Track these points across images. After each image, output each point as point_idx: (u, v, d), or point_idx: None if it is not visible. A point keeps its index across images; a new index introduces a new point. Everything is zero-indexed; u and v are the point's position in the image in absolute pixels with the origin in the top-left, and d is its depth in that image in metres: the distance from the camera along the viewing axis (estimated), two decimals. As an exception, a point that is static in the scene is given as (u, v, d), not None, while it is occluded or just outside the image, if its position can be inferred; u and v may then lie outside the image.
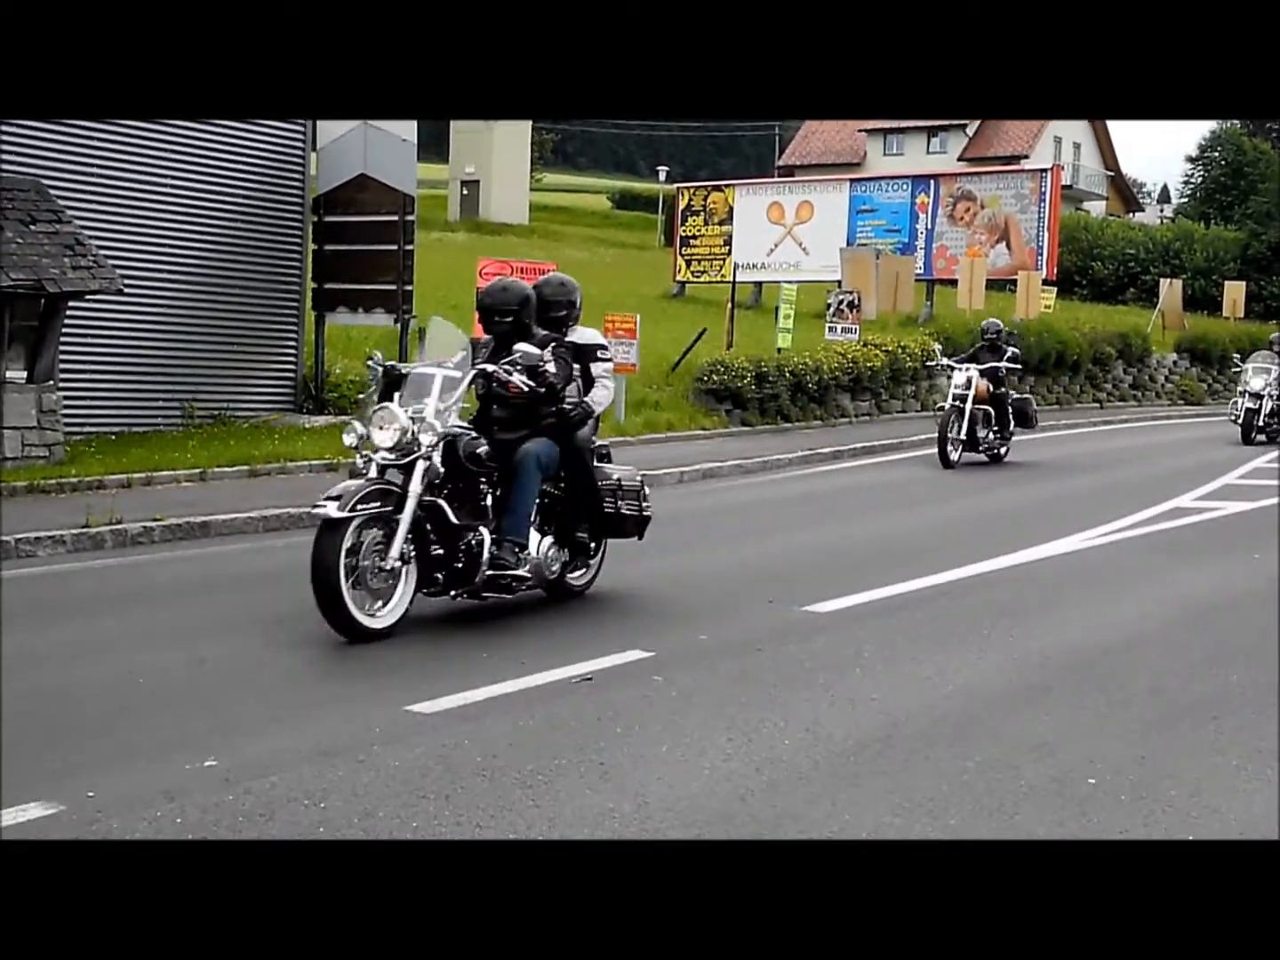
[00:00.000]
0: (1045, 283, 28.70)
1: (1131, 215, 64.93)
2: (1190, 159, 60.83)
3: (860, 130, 63.45)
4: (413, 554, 7.51)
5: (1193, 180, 60.59)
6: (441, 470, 7.65)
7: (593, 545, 8.72)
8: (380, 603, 7.43)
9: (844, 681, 6.69)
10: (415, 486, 7.49)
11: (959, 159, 57.63)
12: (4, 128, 13.41)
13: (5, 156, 13.41)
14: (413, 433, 7.56)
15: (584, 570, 8.81)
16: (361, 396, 8.09)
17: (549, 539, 8.27)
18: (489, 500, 7.95)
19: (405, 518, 7.41)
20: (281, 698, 6.32)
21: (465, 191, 53.58)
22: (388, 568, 7.40)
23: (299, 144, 16.62)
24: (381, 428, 7.59)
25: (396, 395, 7.79)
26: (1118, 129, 67.04)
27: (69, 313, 13.15)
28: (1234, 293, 35.41)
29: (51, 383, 12.78)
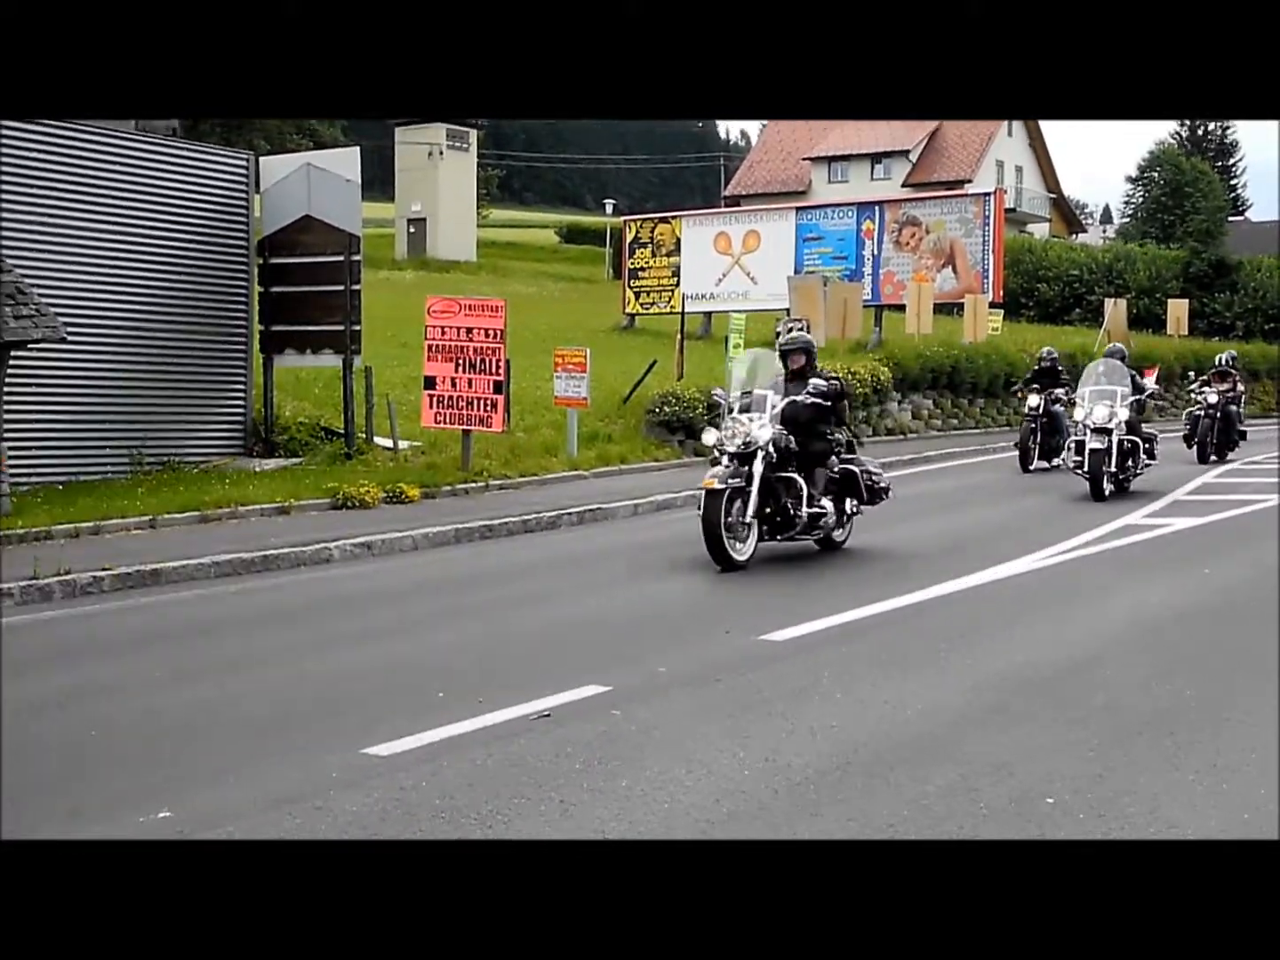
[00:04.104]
0: (992, 305, 28.90)
1: (1075, 236, 65.67)
2: (1131, 179, 61.68)
3: (804, 158, 63.94)
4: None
5: (1134, 200, 61.36)
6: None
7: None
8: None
9: (802, 709, 6.68)
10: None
11: (903, 185, 58.16)
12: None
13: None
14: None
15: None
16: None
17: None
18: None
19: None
20: (236, 746, 6.24)
21: (412, 229, 53.55)
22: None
23: (242, 186, 16.56)
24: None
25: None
26: (1058, 151, 67.79)
27: (12, 363, 13.03)
28: (1177, 310, 35.82)
29: (-3, 433, 12.66)
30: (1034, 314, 43.86)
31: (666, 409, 18.77)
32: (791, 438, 11.32)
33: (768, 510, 11.02)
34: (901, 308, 28.48)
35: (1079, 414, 16.10)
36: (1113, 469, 15.59)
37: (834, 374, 12.31)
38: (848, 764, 5.81)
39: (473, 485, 15.22)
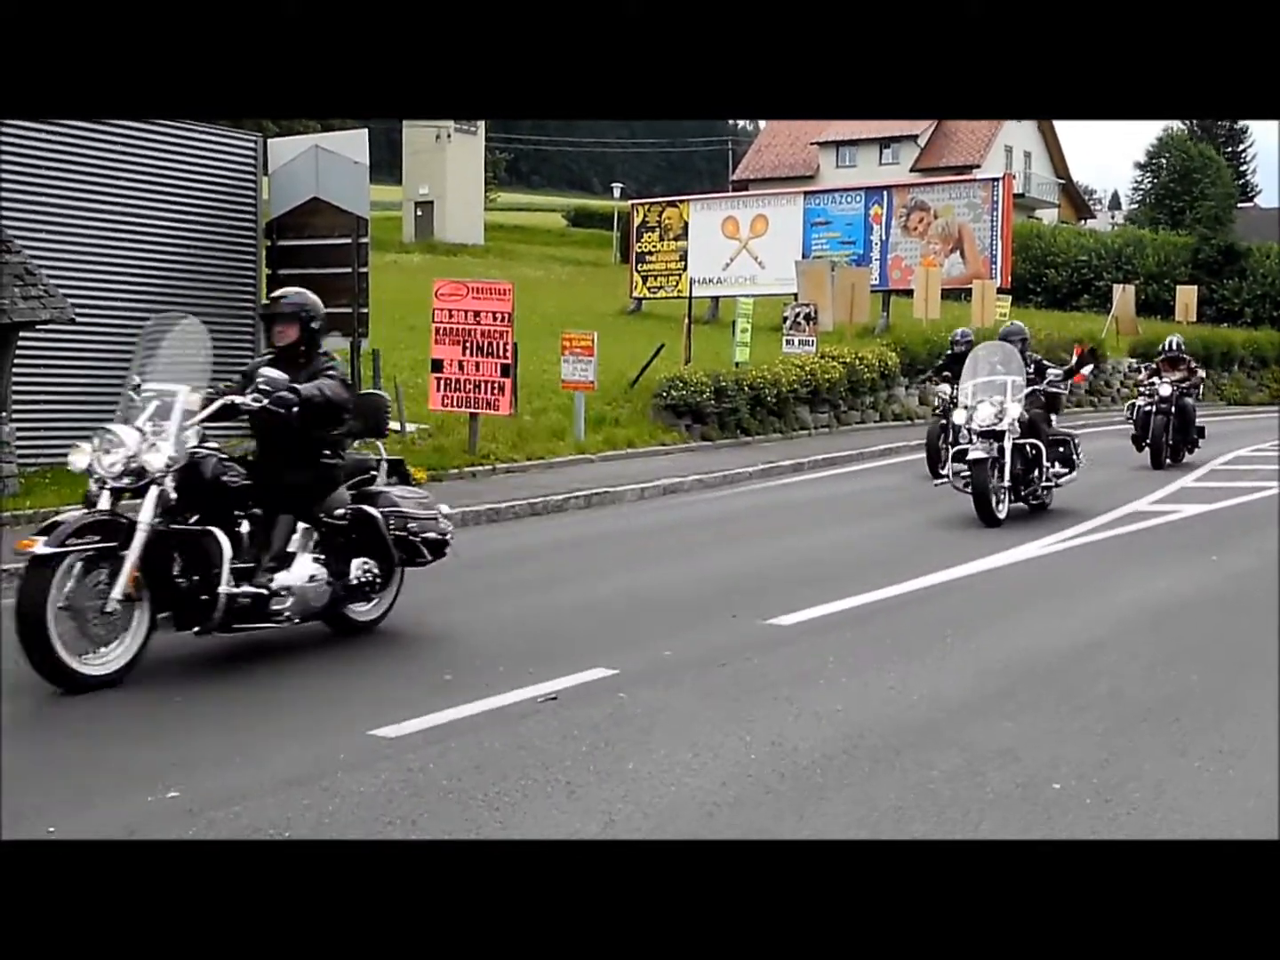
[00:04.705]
0: (1000, 291, 28.87)
1: (1083, 222, 65.55)
2: (1139, 165, 61.61)
3: (813, 143, 63.77)
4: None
5: (1142, 186, 61.25)
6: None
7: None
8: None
9: (808, 694, 6.69)
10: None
11: (911, 169, 58.02)
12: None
13: (-47, 188, 13.31)
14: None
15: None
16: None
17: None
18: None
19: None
20: (243, 727, 6.26)
21: (419, 213, 53.53)
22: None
23: (250, 169, 16.54)
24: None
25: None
26: (1067, 137, 67.68)
27: (20, 343, 13.04)
28: (1186, 297, 35.79)
29: (4, 414, 12.67)
30: (1042, 300, 43.80)
31: (674, 393, 18.76)
32: (235, 464, 7.34)
33: (181, 584, 6.86)
34: (909, 293, 28.48)
35: (959, 416, 12.76)
36: (1006, 483, 12.20)
37: (332, 365, 7.81)
38: (853, 748, 5.82)
39: (480, 468, 15.23)
